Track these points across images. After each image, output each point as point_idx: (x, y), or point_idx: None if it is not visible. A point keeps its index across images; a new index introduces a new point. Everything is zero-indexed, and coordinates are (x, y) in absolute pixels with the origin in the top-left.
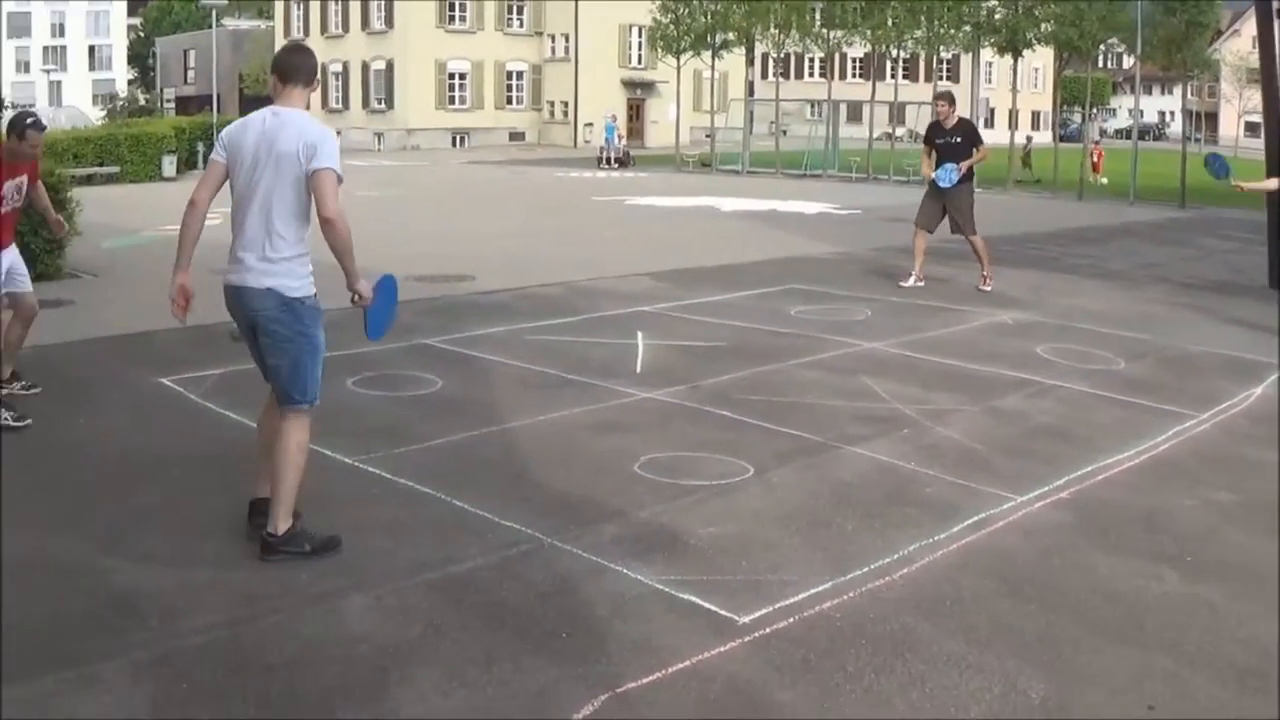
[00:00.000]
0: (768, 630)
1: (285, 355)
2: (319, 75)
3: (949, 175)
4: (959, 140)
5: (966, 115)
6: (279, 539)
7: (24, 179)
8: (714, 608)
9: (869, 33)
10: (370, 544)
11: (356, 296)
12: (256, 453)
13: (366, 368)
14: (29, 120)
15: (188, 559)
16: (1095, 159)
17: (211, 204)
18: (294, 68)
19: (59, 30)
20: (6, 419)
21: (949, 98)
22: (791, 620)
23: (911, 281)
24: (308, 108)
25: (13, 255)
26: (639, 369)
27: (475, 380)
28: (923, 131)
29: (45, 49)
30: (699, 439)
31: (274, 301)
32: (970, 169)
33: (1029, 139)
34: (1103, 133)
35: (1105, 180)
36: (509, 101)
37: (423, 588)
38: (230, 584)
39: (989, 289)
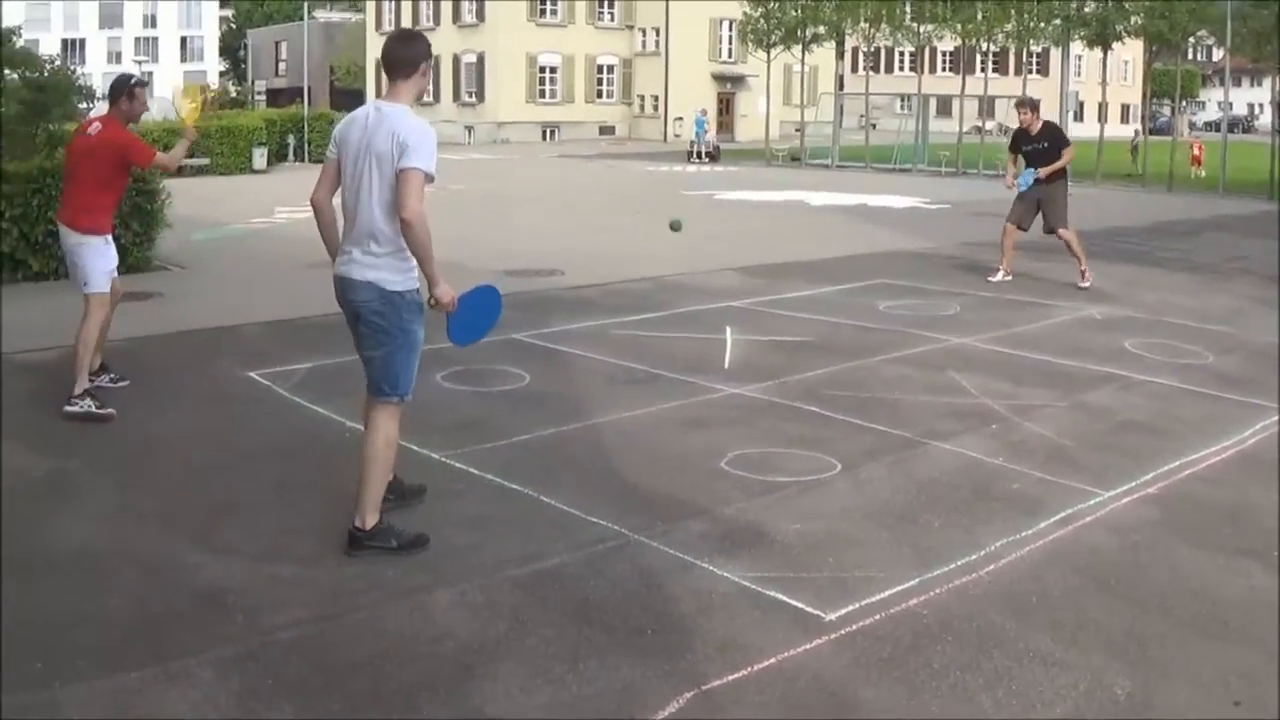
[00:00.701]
0: (854, 627)
1: (381, 347)
2: (428, 64)
3: (1028, 179)
4: (1045, 145)
5: (1055, 110)
6: (366, 534)
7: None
8: (800, 604)
9: (959, 26)
10: (456, 540)
11: (433, 301)
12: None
13: (456, 363)
14: (134, 79)
15: (274, 555)
16: (1196, 152)
17: (332, 199)
18: (396, 59)
19: (151, 21)
20: (90, 407)
21: (1032, 105)
22: (878, 617)
23: (999, 277)
24: (419, 99)
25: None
26: (727, 364)
27: (563, 375)
28: (1013, 125)
29: (137, 40)
30: (786, 435)
31: (374, 294)
32: (1057, 157)
33: (1137, 133)
34: (1192, 125)
35: (1204, 173)
36: (599, 95)
37: (508, 584)
38: (316, 580)
39: (1088, 285)
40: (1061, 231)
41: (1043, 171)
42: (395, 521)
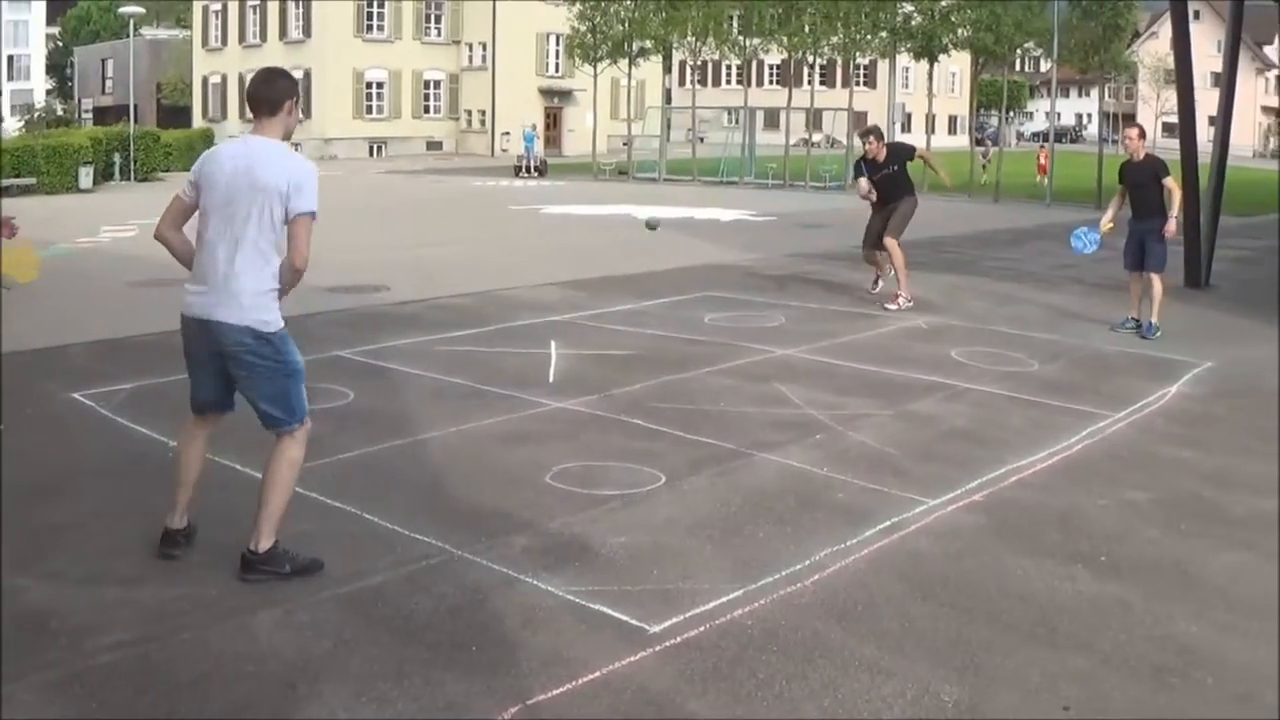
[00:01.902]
0: (679, 639)
1: (270, 384)
2: (294, 101)
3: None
4: (896, 167)
5: (883, 121)
6: (260, 557)
7: None
8: (625, 617)
9: (786, 39)
10: None
11: None
12: (174, 482)
13: None
14: None
15: (98, 577)
16: (1043, 160)
17: (180, 233)
18: (261, 98)
19: None
20: None
21: (876, 132)
22: (703, 629)
23: (880, 287)
24: (287, 136)
25: None
26: (552, 379)
27: (388, 392)
28: (840, 137)
29: None
30: (611, 448)
31: (251, 337)
32: (907, 178)
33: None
34: (1019, 136)
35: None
36: (427, 110)
37: (332, 602)
38: (140, 602)
39: (896, 308)
40: (890, 241)
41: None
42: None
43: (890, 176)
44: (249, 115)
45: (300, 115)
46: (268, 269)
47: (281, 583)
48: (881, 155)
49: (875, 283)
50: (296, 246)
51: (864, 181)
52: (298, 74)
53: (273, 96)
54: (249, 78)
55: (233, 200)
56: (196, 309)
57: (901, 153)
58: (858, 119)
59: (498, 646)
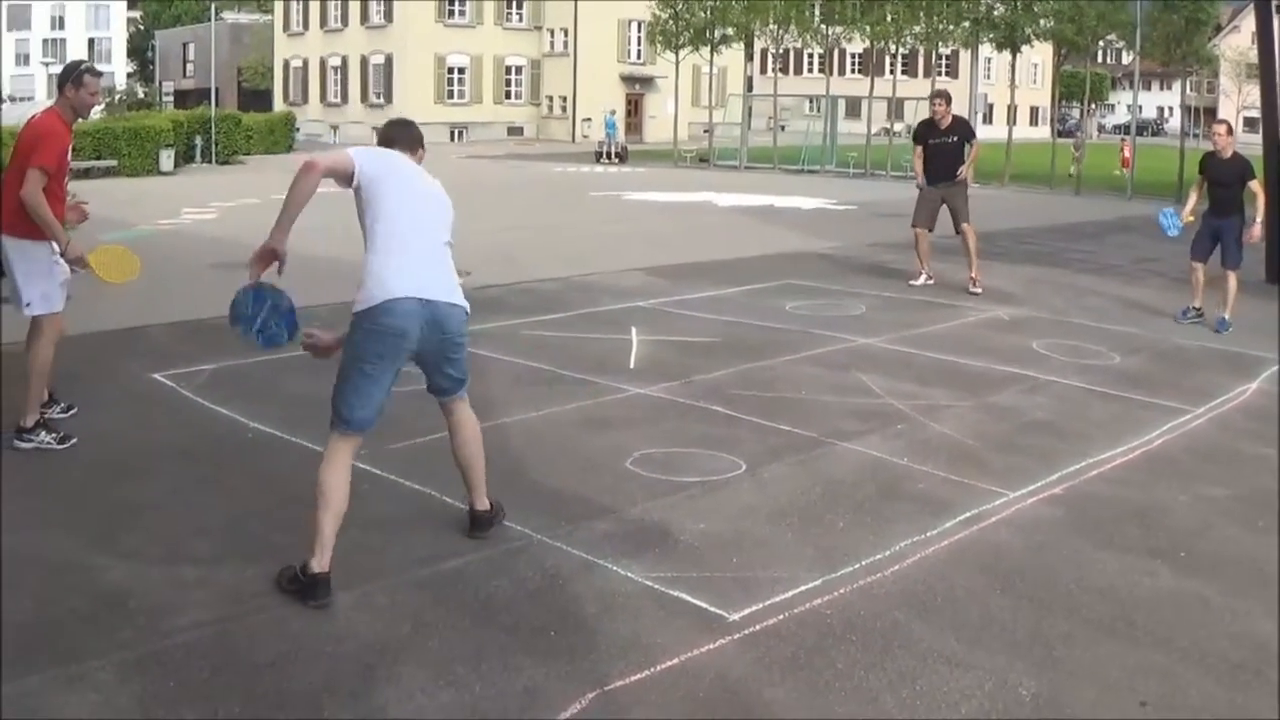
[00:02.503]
0: (757, 627)
1: (462, 353)
2: (422, 145)
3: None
4: (954, 139)
5: (964, 111)
6: (489, 513)
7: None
8: (704, 604)
9: (868, 28)
10: (359, 540)
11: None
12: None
13: None
14: (84, 65)
15: (177, 557)
16: (1126, 154)
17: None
18: (410, 138)
19: (59, 23)
20: (50, 441)
21: (946, 97)
22: (782, 617)
23: (921, 280)
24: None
25: None
26: (633, 365)
27: (469, 376)
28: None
29: (45, 41)
30: (692, 435)
31: (461, 320)
32: (961, 158)
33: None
34: (1101, 128)
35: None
36: (508, 96)
37: (411, 585)
38: (219, 582)
39: (979, 291)
40: (965, 227)
41: (964, 169)
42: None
43: (946, 146)
44: (330, 99)
45: (382, 100)
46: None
47: (360, 563)
48: (946, 122)
49: (919, 276)
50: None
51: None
52: (379, 59)
53: (409, 138)
54: (329, 61)
55: (427, 198)
56: (418, 291)
57: (965, 130)
58: None
59: (576, 631)
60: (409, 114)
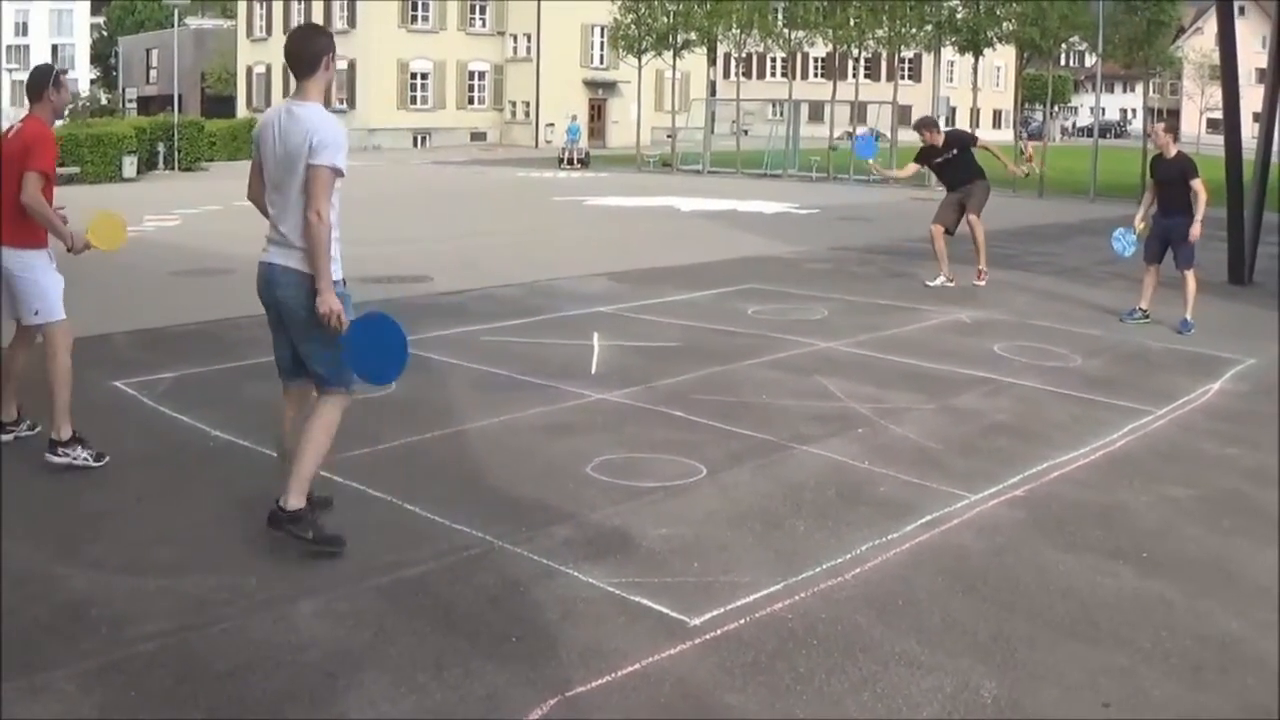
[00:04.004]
0: (719, 632)
1: (312, 338)
2: (331, 57)
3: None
4: (955, 152)
5: (928, 114)
6: (287, 515)
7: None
8: (665, 610)
9: (831, 32)
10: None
11: (321, 305)
12: (283, 454)
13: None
14: (57, 68)
15: (139, 566)
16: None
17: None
18: (298, 55)
19: (22, 29)
20: (86, 458)
21: (928, 123)
22: (743, 622)
23: (940, 281)
24: (327, 94)
25: None
26: (594, 370)
27: (429, 383)
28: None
29: (8, 48)
30: (653, 440)
31: (296, 283)
32: (974, 163)
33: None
34: (1064, 131)
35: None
36: (471, 101)
37: (372, 592)
38: (180, 591)
39: (982, 284)
40: (973, 217)
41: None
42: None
43: (951, 161)
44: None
45: (345, 105)
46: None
47: (322, 571)
48: (938, 142)
49: (938, 277)
50: (310, 197)
51: (876, 166)
52: (341, 64)
53: (314, 52)
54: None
55: (277, 165)
56: (262, 257)
57: (961, 139)
58: (902, 112)
59: (538, 637)
60: (372, 120)
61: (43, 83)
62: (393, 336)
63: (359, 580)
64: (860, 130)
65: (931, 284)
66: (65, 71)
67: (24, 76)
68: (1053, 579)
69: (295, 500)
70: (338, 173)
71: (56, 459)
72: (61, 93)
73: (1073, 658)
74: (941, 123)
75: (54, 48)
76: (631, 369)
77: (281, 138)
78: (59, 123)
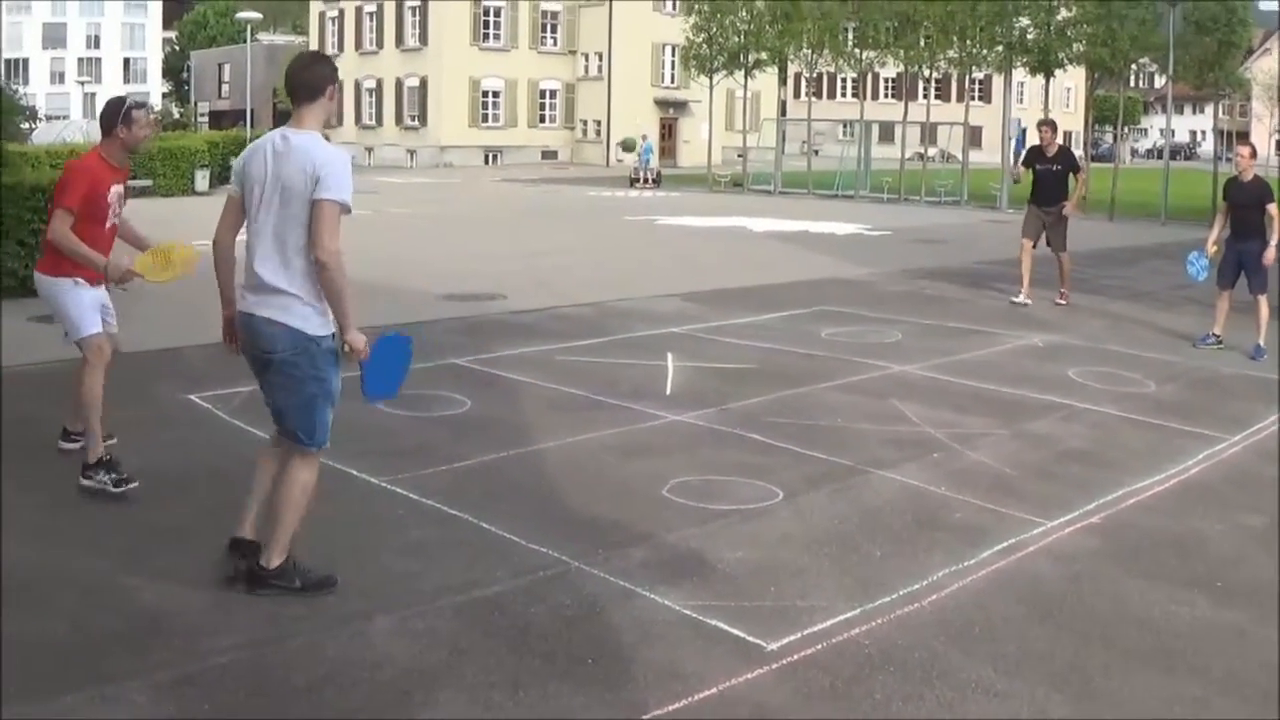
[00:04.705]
0: (795, 657)
1: (294, 396)
2: (334, 87)
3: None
4: (1059, 168)
5: (997, 136)
6: (270, 572)
7: (123, 185)
8: (742, 634)
9: (902, 53)
10: (396, 566)
11: (346, 348)
12: (251, 487)
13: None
14: (133, 101)
15: (212, 578)
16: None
17: (235, 238)
18: (299, 83)
19: (94, 42)
20: (106, 482)
21: (1052, 125)
22: (819, 647)
23: (1021, 298)
24: (329, 125)
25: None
26: (669, 391)
27: (504, 401)
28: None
29: (80, 60)
30: (728, 462)
31: (286, 341)
32: (1066, 185)
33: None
34: (1133, 152)
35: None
36: (542, 120)
37: (449, 611)
38: (256, 605)
39: (1063, 303)
40: (1062, 255)
41: (1070, 203)
42: (307, 559)
43: (1052, 174)
44: (364, 121)
45: (417, 123)
46: (305, 267)
47: (398, 588)
48: (1051, 150)
49: (1022, 294)
50: (317, 236)
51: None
52: (413, 81)
53: (315, 81)
54: (364, 84)
55: (264, 195)
56: (242, 306)
57: (1071, 160)
58: (972, 134)
59: (614, 659)
60: (444, 138)
61: (112, 119)
62: (397, 351)
63: (435, 598)
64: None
65: (1015, 300)
66: (143, 105)
67: (95, 89)
68: (1128, 607)
69: (277, 559)
70: (345, 209)
71: (85, 482)
72: (134, 129)
73: (1147, 687)
74: (1012, 145)
75: (126, 61)
76: (706, 390)
77: (274, 169)
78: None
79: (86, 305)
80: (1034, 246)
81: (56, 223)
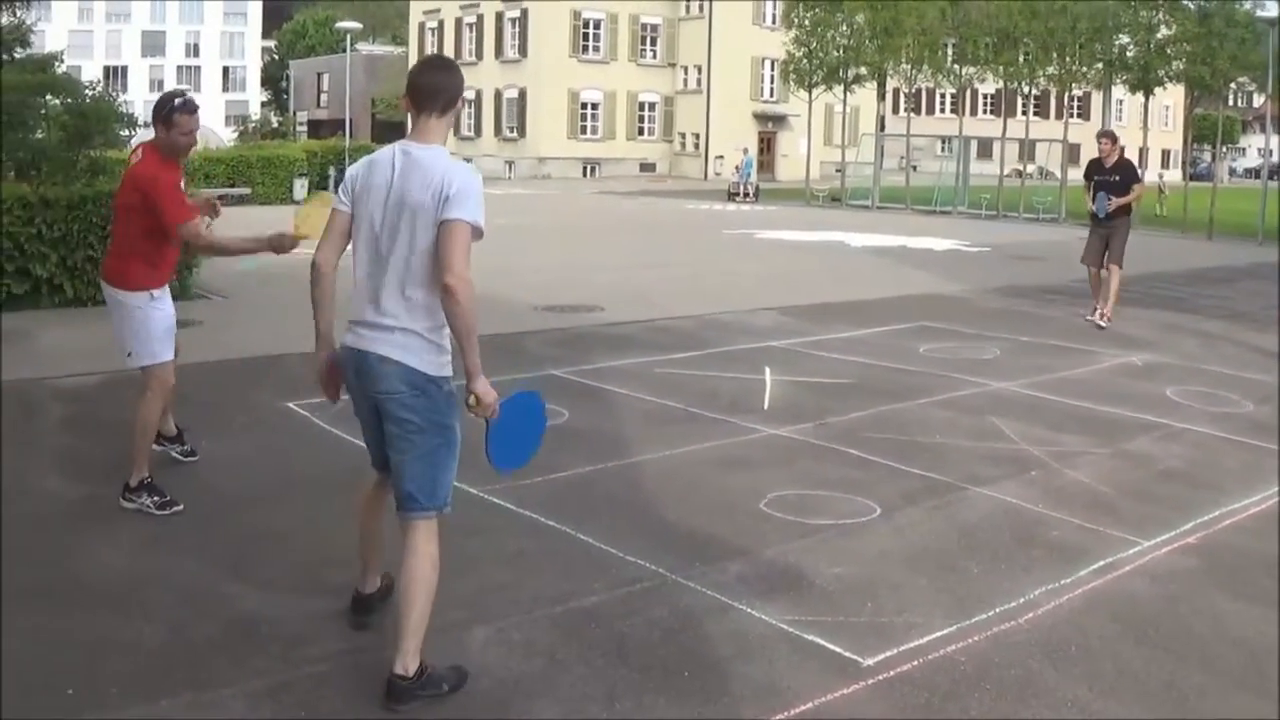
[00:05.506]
0: (892, 673)
1: (413, 448)
2: (462, 99)
3: (1103, 205)
4: (1117, 178)
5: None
6: (413, 682)
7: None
8: (838, 649)
9: (1001, 69)
10: (494, 576)
11: (470, 399)
12: (359, 543)
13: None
14: (176, 101)
15: (310, 587)
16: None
17: (339, 261)
18: (431, 90)
19: (194, 50)
20: (148, 505)
21: (1112, 136)
22: (916, 663)
23: (1097, 316)
24: (447, 139)
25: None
26: (766, 405)
27: (602, 413)
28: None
29: (180, 68)
30: (826, 477)
31: (403, 381)
32: (1128, 204)
33: (1160, 177)
34: (1231, 172)
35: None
36: (640, 132)
37: (545, 621)
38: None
39: (1105, 325)
40: (1114, 267)
41: (1118, 200)
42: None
43: (1110, 184)
44: (463, 132)
45: (515, 134)
46: (429, 299)
47: (495, 599)
48: (1110, 160)
49: (1095, 311)
50: (447, 259)
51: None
52: (512, 93)
53: (452, 87)
54: (464, 94)
55: (385, 214)
56: (351, 341)
57: (1130, 171)
58: (1071, 151)
59: (710, 673)
60: (542, 150)
61: (157, 114)
62: (533, 417)
63: (531, 609)
64: None
65: (1090, 318)
66: (189, 107)
67: (195, 98)
68: (1225, 628)
69: (414, 661)
70: (478, 233)
71: (126, 504)
72: (172, 134)
73: (1243, 709)
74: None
75: (225, 70)
76: (803, 405)
77: (398, 187)
78: (230, 140)
79: (162, 330)
80: (1099, 268)
81: (189, 231)
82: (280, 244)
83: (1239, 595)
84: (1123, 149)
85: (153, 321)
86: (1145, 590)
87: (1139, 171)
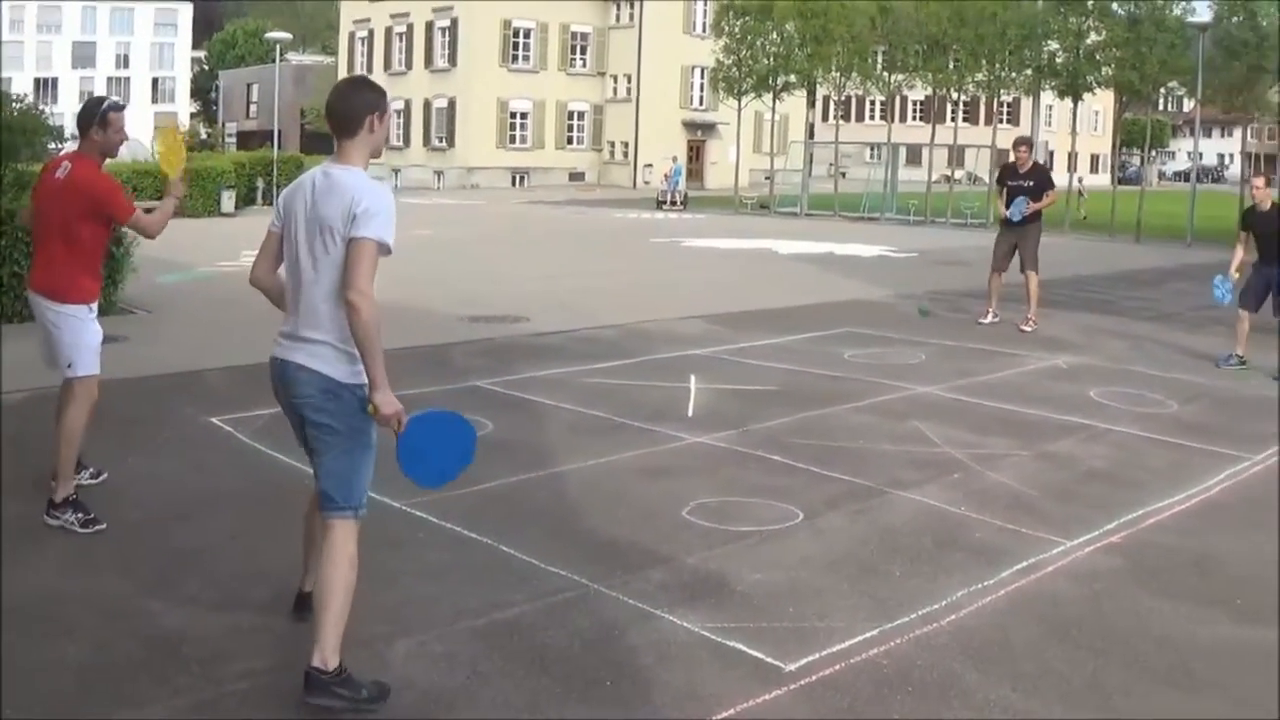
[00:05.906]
0: (814, 678)
1: (329, 449)
2: (377, 116)
3: (1019, 209)
4: (1031, 184)
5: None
6: (331, 677)
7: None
8: (760, 655)
9: (930, 76)
10: (416, 589)
11: (371, 408)
12: (303, 542)
13: (415, 410)
14: (107, 102)
15: (233, 603)
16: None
17: (274, 275)
18: (345, 115)
19: (123, 61)
20: (73, 523)
21: (1028, 143)
22: (838, 667)
23: (989, 319)
24: (374, 156)
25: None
26: (691, 413)
27: (527, 424)
28: (982, 174)
29: (110, 80)
30: (749, 484)
31: (317, 388)
32: (1039, 210)
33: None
34: (1161, 175)
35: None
36: (570, 141)
37: (467, 634)
38: (273, 629)
39: (1029, 330)
40: (1029, 274)
41: (1030, 206)
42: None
43: (1024, 189)
44: (391, 142)
45: (444, 144)
46: (340, 313)
47: (417, 612)
48: (1025, 167)
49: (987, 314)
50: (350, 276)
51: (1000, 207)
52: (441, 103)
53: (355, 110)
54: (392, 104)
55: (303, 232)
56: (274, 351)
57: (1044, 178)
58: (1000, 156)
59: (632, 682)
60: (471, 160)
61: (89, 119)
62: (458, 435)
63: (453, 621)
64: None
65: (983, 321)
66: (121, 107)
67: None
68: (1149, 626)
69: (333, 657)
70: (385, 250)
71: (50, 521)
72: (109, 133)
73: (1169, 706)
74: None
75: (154, 81)
76: (728, 412)
77: (315, 206)
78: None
79: (97, 342)
80: (1002, 275)
81: (144, 223)
82: (174, 192)
83: (1162, 594)
84: (1036, 159)
85: (89, 333)
86: (1068, 590)
87: (1053, 183)
